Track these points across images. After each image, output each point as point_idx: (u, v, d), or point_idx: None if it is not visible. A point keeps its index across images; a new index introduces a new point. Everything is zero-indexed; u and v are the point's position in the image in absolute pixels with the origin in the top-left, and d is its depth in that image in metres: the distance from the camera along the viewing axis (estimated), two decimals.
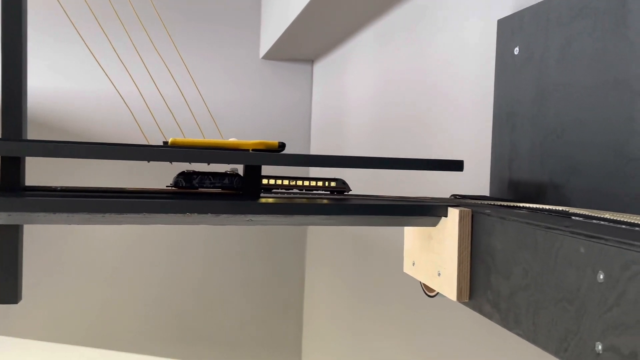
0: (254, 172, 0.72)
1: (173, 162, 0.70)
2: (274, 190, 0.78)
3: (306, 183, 0.78)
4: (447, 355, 1.26)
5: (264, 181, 0.76)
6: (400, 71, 1.59)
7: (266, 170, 0.73)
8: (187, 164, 0.71)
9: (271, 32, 2.41)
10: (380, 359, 1.70)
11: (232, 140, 0.70)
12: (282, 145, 0.72)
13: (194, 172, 0.72)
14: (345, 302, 2.11)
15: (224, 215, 0.67)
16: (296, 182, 0.78)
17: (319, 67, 2.62)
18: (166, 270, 2.70)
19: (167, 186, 0.74)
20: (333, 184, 0.79)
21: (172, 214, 0.64)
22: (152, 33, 0.80)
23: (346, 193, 0.80)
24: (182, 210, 0.65)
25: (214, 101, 2.65)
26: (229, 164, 0.72)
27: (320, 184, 0.79)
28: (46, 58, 2.54)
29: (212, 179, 0.73)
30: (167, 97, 0.76)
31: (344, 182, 0.80)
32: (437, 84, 1.33)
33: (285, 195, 0.79)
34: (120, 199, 0.64)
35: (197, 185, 0.72)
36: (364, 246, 1.89)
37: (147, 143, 0.69)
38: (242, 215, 0.68)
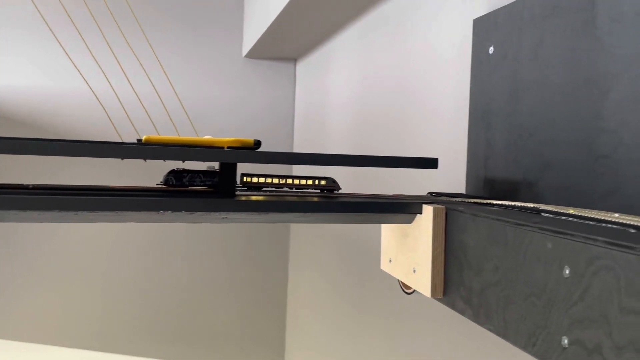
0: (229, 169, 0.72)
1: (147, 160, 0.69)
2: (264, 189, 0.79)
3: (296, 182, 0.78)
4: (426, 352, 1.27)
5: (254, 179, 0.77)
6: (380, 70, 1.60)
7: (257, 168, 0.73)
8: (163, 161, 0.70)
9: (253, 30, 2.41)
10: (363, 356, 1.71)
11: (207, 137, 0.70)
12: (257, 143, 0.72)
13: (184, 170, 0.72)
14: (328, 300, 2.11)
15: (199, 213, 0.67)
16: (286, 181, 0.78)
17: (302, 66, 2.62)
18: (148, 269, 2.68)
19: (157, 184, 0.74)
20: (323, 182, 0.79)
21: (145, 212, 0.64)
22: (130, 31, 0.79)
23: (336, 192, 0.80)
24: (155, 208, 0.64)
25: (197, 100, 2.64)
26: (204, 161, 0.71)
27: (310, 182, 0.79)
28: (22, 55, 2.51)
29: (202, 177, 0.73)
30: (144, 95, 0.75)
31: (333, 181, 0.80)
32: (416, 82, 1.34)
33: (271, 193, 0.78)
34: (92, 197, 0.64)
35: (187, 183, 0.72)
36: (346, 244, 1.90)
37: (120, 141, 0.69)
38: (217, 213, 0.67)
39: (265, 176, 0.77)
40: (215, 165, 0.74)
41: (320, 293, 2.23)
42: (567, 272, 0.48)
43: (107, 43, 0.66)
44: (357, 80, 1.80)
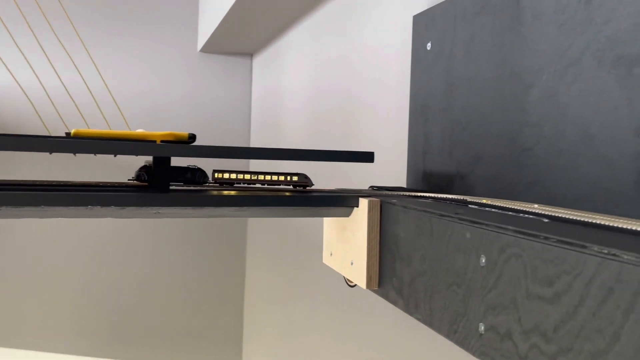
0: (163, 164, 0.71)
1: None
2: (235, 185, 0.79)
3: (268, 177, 0.78)
4: (377, 344, 1.29)
5: (225, 175, 0.77)
6: (333, 65, 1.60)
7: (232, 164, 0.73)
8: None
9: (207, 24, 2.38)
10: (317, 352, 1.72)
11: (139, 131, 0.69)
12: (192, 137, 0.71)
13: None
14: (284, 296, 2.11)
15: (130, 207, 0.66)
16: (257, 177, 0.78)
17: (258, 61, 2.61)
18: (100, 267, 2.62)
19: (128, 179, 0.74)
20: (295, 178, 0.79)
21: (72, 207, 0.63)
22: (60, 24, 0.77)
23: (308, 187, 0.79)
24: (83, 203, 0.63)
25: (151, 95, 2.59)
26: (136, 155, 0.70)
27: (282, 178, 0.78)
28: None
29: (174, 173, 0.73)
30: (75, 88, 0.73)
31: (306, 177, 0.79)
32: (364, 77, 1.35)
33: (236, 189, 0.78)
34: (17, 192, 0.62)
35: None
36: (302, 239, 1.90)
37: (48, 134, 0.67)
38: (149, 208, 0.66)
39: (237, 172, 0.77)
40: (209, 162, 0.74)
41: (278, 289, 2.23)
42: (483, 260, 0.50)
43: (34, 35, 0.65)
44: (311, 75, 1.81)
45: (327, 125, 1.65)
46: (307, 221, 1.78)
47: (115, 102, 0.72)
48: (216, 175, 0.78)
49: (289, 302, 2.04)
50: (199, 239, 2.71)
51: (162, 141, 0.70)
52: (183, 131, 0.72)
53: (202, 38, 2.52)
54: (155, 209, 0.67)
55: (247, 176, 0.77)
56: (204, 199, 0.67)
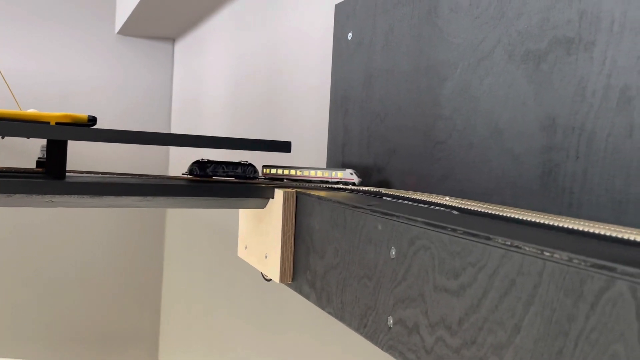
0: (59, 148, 0.65)
1: None
2: (285, 180, 0.79)
3: (319, 173, 0.76)
4: (293, 339, 1.27)
5: (273, 170, 0.79)
6: (254, 53, 1.56)
7: (281, 159, 0.69)
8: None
9: (126, 4, 2.25)
10: (234, 348, 1.68)
11: (30, 111, 0.63)
12: (92, 120, 0.65)
13: (208, 161, 0.74)
14: (203, 291, 2.05)
15: (19, 195, 0.60)
16: (303, 172, 0.77)
17: (180, 46, 2.51)
18: (6, 262, 2.42)
19: (182, 174, 0.76)
20: (340, 174, 0.75)
21: None
22: None
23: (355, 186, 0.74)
24: None
25: (63, 78, 2.42)
26: (27, 137, 0.64)
27: (338, 174, 0.74)
28: None
29: (225, 167, 0.74)
30: None
31: (351, 173, 0.74)
32: (287, 67, 1.33)
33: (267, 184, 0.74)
34: None
35: (210, 173, 0.74)
36: (222, 233, 1.85)
37: None
38: (41, 196, 0.60)
39: (284, 167, 0.78)
40: (248, 158, 0.72)
41: (196, 284, 2.17)
42: (394, 252, 0.49)
43: None
44: (234, 63, 1.76)
45: (250, 114, 1.61)
46: (228, 213, 1.74)
47: (4, 79, 0.65)
48: (265, 170, 0.80)
49: (207, 298, 1.99)
50: (115, 233, 2.57)
51: (57, 123, 0.64)
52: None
53: (120, 19, 2.39)
54: (48, 197, 0.61)
55: (293, 172, 0.78)
56: (102, 188, 0.62)
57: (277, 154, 0.77)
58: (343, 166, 0.89)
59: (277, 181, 0.78)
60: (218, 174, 0.75)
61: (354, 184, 0.73)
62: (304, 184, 0.77)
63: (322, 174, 0.77)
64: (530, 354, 0.34)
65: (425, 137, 0.67)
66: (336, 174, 0.75)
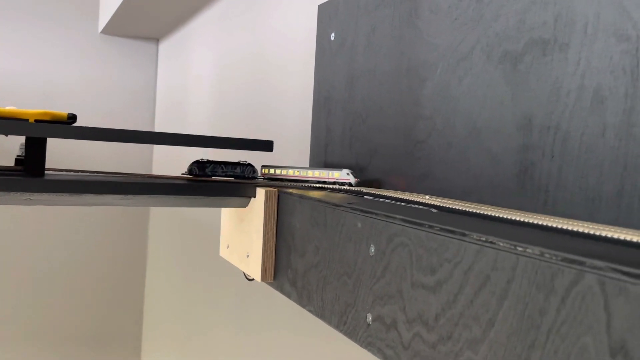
0: (37, 145, 0.64)
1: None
2: (283, 181, 0.79)
3: (317, 173, 0.76)
4: (275, 338, 1.27)
5: (271, 171, 0.78)
6: (239, 52, 1.56)
7: (283, 160, 0.68)
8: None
9: (109, 3, 2.23)
10: (216, 348, 1.67)
11: (9, 108, 0.62)
12: (72, 117, 0.65)
13: (207, 161, 0.74)
14: (185, 291, 2.04)
15: None
16: (301, 173, 0.77)
17: (165, 47, 2.49)
18: None
19: (182, 174, 0.76)
20: (337, 174, 0.74)
21: None
22: None
23: (352, 187, 0.74)
24: None
25: (46, 77, 2.40)
26: (6, 135, 0.63)
27: (337, 174, 0.74)
28: None
29: (224, 167, 0.75)
30: None
31: (348, 174, 0.74)
32: (271, 67, 1.33)
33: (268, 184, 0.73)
34: None
35: (210, 173, 0.74)
36: (205, 232, 1.84)
37: None
38: (18, 194, 0.60)
39: (283, 167, 0.78)
40: (247, 157, 0.71)
41: (179, 285, 2.15)
42: (373, 250, 0.49)
43: None
44: (218, 63, 1.75)
45: (233, 113, 1.61)
46: (211, 213, 1.73)
47: None
48: (263, 170, 0.80)
49: (190, 298, 1.97)
50: (97, 233, 2.55)
51: (36, 120, 0.63)
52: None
53: (104, 18, 2.37)
54: (26, 195, 0.60)
55: (291, 172, 0.78)
56: (82, 185, 0.62)
57: (277, 155, 0.77)
58: (326, 166, 0.89)
59: (276, 181, 0.79)
60: (217, 174, 0.75)
61: (350, 185, 0.73)
62: (299, 184, 0.77)
63: (320, 174, 0.77)
64: (504, 348, 0.35)
65: (405, 137, 0.68)
66: (333, 174, 0.76)
